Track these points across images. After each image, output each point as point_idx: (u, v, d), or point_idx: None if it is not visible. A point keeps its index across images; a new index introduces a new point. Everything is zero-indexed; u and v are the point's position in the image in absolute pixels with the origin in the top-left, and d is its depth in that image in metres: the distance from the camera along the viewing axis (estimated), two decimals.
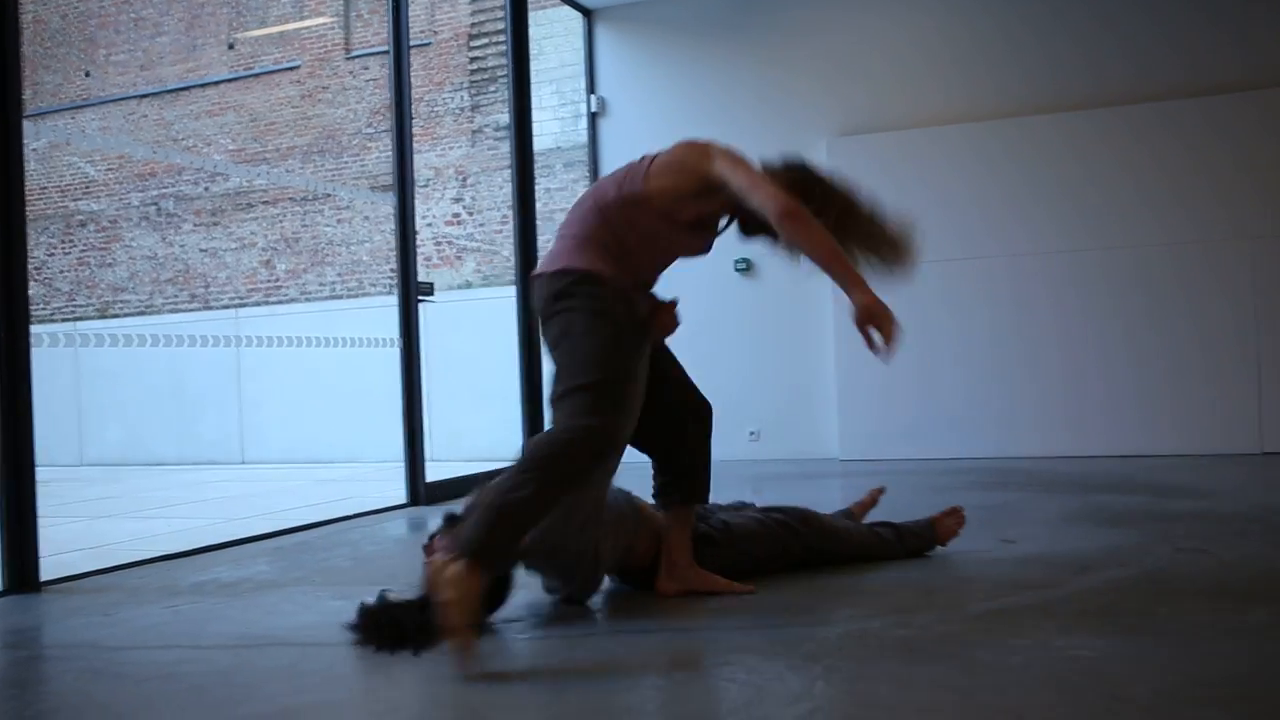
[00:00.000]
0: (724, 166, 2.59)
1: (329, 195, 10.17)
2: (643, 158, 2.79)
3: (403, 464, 5.19)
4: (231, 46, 10.86)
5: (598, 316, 2.58)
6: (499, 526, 2.34)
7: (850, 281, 2.54)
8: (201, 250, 10.70)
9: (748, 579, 2.87)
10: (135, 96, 11.20)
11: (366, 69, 10.10)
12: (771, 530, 3.03)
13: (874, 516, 3.44)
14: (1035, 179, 6.00)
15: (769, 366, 6.40)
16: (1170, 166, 5.81)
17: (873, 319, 2.55)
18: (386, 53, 5.32)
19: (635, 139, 6.93)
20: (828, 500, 4.80)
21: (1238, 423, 5.68)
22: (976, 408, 6.06)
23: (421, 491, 5.16)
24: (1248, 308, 5.68)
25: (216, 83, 10.84)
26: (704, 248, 2.82)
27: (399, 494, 5.20)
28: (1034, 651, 2.15)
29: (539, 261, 2.80)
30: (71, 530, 5.04)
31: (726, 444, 6.70)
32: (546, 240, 8.47)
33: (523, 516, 2.38)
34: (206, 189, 10.71)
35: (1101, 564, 2.98)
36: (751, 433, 6.39)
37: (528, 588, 3.10)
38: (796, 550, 3.03)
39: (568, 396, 2.50)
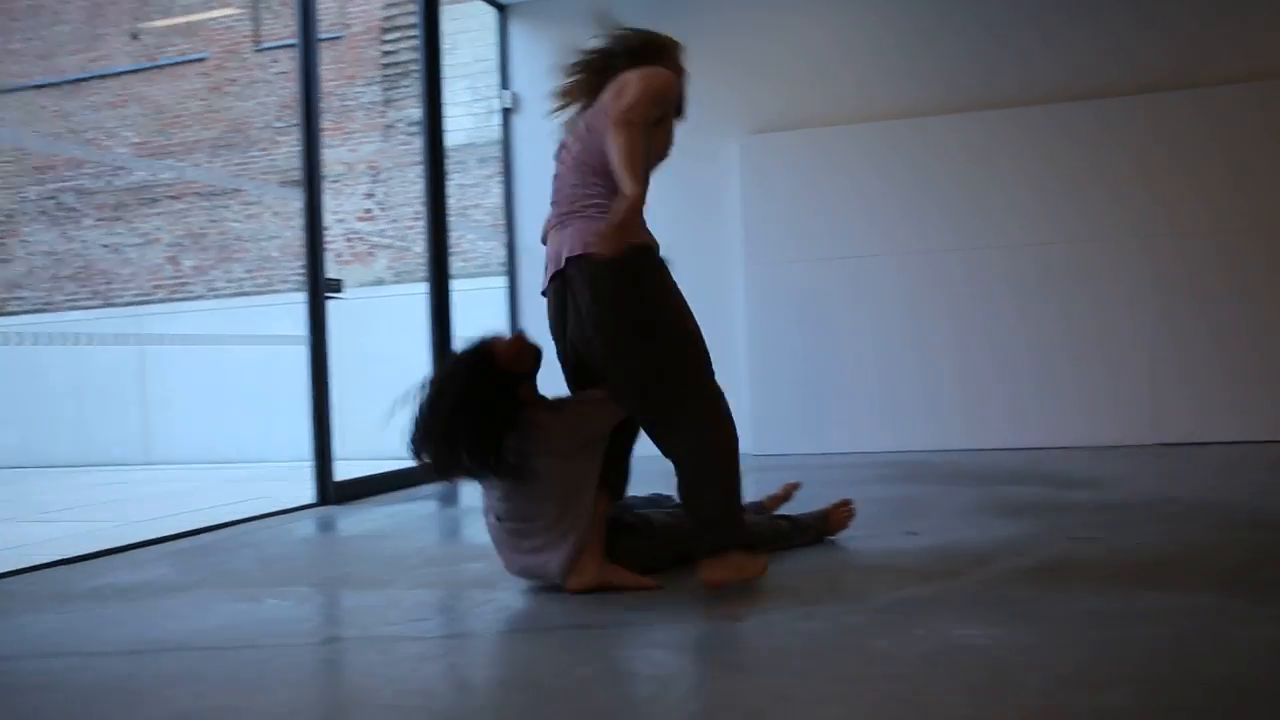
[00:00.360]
0: (631, 78, 2.70)
1: (237, 190, 9.96)
2: (586, 112, 2.85)
3: (311, 463, 5.11)
4: (135, 36, 10.57)
5: (672, 294, 2.72)
6: (739, 512, 2.73)
7: (636, 183, 2.46)
8: (103, 246, 10.40)
9: (665, 571, 2.90)
10: (33, 87, 10.84)
11: (276, 61, 9.91)
12: (686, 521, 3.06)
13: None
14: (939, 177, 6.11)
15: None
16: (1068, 167, 5.96)
17: (626, 216, 2.43)
18: (296, 45, 5.22)
19: (548, 136, 6.90)
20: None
21: (1133, 414, 5.86)
22: (886, 402, 6.15)
23: (330, 491, 5.08)
24: (1142, 303, 5.85)
25: (119, 74, 10.54)
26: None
27: (308, 494, 5.12)
28: (933, 641, 2.19)
29: (568, 238, 2.71)
30: None
31: (640, 439, 6.72)
32: (461, 236, 8.40)
33: (740, 496, 2.75)
34: (109, 183, 10.42)
35: (1000, 554, 3.05)
36: None
37: (428, 587, 3.07)
38: None
39: (700, 384, 2.73)
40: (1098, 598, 2.49)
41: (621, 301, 2.64)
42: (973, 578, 2.77)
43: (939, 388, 6.09)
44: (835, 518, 3.39)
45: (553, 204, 2.89)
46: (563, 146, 2.99)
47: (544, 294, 2.87)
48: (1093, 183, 5.93)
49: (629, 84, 2.69)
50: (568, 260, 2.68)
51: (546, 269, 2.80)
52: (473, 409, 2.68)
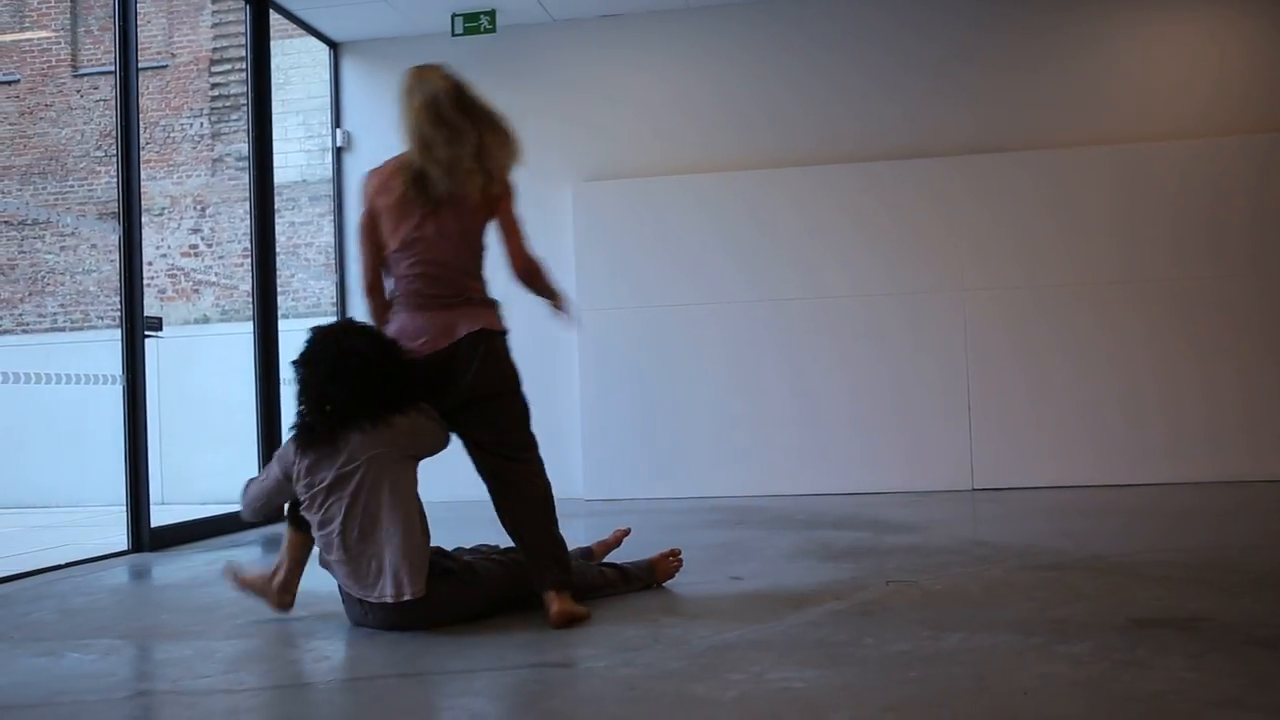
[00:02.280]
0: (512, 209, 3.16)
1: (49, 222, 9.50)
2: (454, 206, 3.03)
3: (125, 508, 4.88)
4: None
5: None
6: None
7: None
8: None
9: (486, 616, 2.99)
10: None
11: (96, 88, 9.52)
12: (510, 570, 3.09)
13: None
14: (771, 228, 6.29)
15: None
16: (891, 220, 6.22)
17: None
18: (114, 72, 5.04)
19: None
20: (572, 538, 4.83)
21: (951, 461, 6.12)
22: (716, 448, 6.26)
23: (145, 537, 4.86)
24: (959, 354, 6.14)
25: None
26: None
27: (121, 540, 4.88)
28: (749, 685, 2.24)
29: (467, 317, 3.07)
30: None
31: (471, 485, 6.62)
32: (292, 275, 8.20)
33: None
34: None
35: (820, 597, 3.13)
36: None
37: (245, 637, 2.97)
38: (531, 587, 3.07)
39: (533, 439, 3.16)
40: (909, 639, 2.59)
41: (510, 366, 3.15)
42: (792, 621, 2.84)
43: (769, 434, 6.24)
44: (662, 567, 3.44)
45: (428, 284, 3.07)
46: (431, 217, 3.05)
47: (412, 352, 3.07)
48: (914, 237, 6.20)
49: (517, 227, 3.15)
50: (471, 333, 3.05)
51: (430, 338, 3.05)
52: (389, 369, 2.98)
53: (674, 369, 6.29)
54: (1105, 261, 6.05)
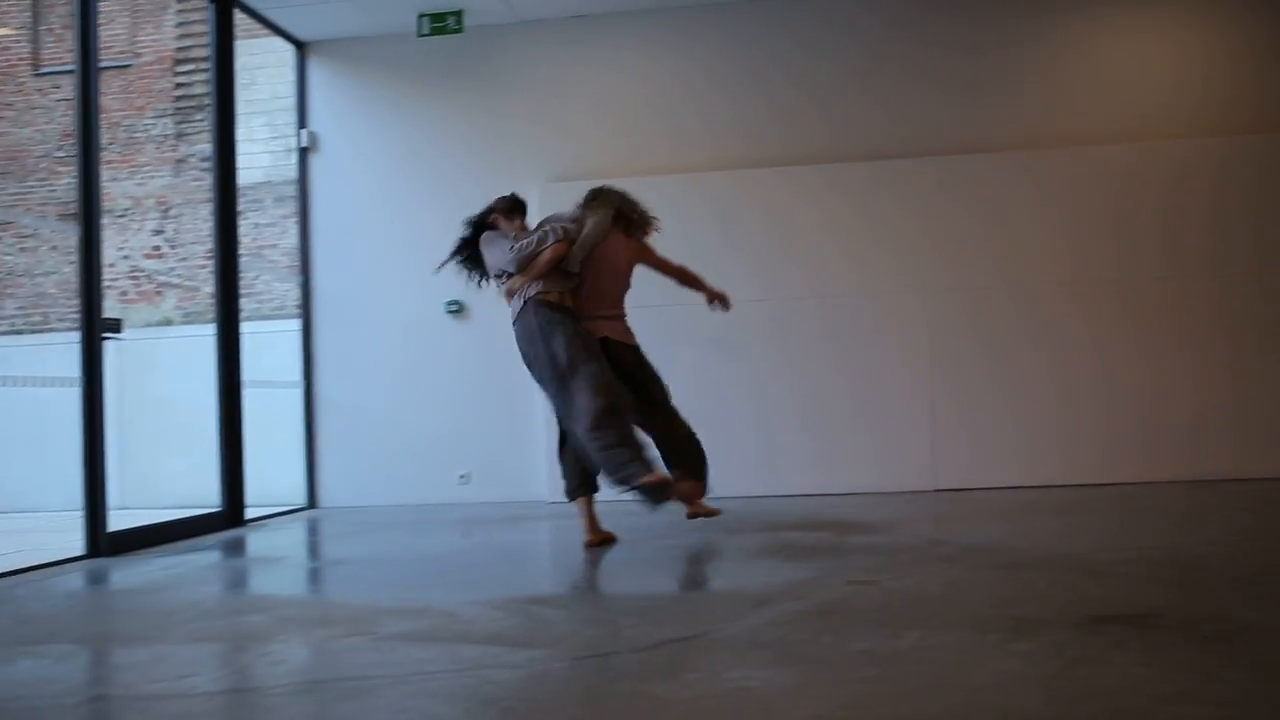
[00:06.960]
0: None
1: (9, 222, 9.38)
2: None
3: (82, 512, 4.82)
4: None
5: None
6: None
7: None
8: None
9: None
10: None
11: (58, 88, 9.40)
12: None
13: None
14: (734, 229, 6.30)
15: (479, 410, 6.38)
16: (851, 223, 6.25)
17: None
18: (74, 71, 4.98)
19: (346, 176, 6.81)
20: (532, 540, 4.83)
21: (913, 462, 6.15)
22: None
23: (103, 541, 4.80)
24: (922, 355, 6.17)
25: None
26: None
27: (79, 545, 4.82)
28: (705, 684, 2.23)
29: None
30: None
31: (436, 486, 6.65)
32: (255, 277, 8.13)
33: None
34: None
35: (779, 597, 3.14)
36: (461, 475, 6.33)
37: (201, 641, 2.93)
38: None
39: None
40: (867, 638, 2.60)
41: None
42: (751, 621, 2.84)
43: (725, 435, 6.22)
44: None
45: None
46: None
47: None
48: (879, 238, 6.23)
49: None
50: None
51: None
52: None
53: None
54: (1068, 261, 6.10)
